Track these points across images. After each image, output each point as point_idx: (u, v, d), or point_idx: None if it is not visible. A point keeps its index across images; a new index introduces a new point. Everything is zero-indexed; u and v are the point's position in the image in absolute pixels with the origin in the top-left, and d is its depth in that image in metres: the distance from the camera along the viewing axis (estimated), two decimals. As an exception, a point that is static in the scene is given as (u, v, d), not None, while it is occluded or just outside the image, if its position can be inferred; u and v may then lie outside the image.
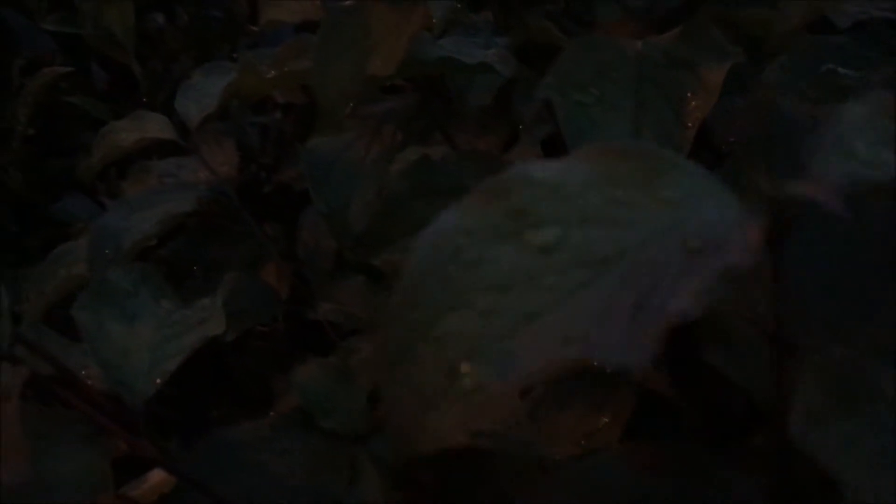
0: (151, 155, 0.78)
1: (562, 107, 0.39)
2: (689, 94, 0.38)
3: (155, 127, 0.62)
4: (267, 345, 0.72)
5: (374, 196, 0.49)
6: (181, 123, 0.63)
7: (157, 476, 0.58)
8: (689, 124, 0.37)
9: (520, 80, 0.58)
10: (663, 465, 0.30)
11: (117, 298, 0.39)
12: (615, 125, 0.39)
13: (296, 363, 0.49)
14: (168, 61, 0.93)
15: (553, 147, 0.60)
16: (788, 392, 0.26)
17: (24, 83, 0.80)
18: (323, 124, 0.46)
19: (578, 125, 0.38)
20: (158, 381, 0.35)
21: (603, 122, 0.39)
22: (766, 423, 0.38)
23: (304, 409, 0.47)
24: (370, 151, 0.52)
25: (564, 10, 0.67)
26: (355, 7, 0.46)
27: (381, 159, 0.51)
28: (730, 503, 0.29)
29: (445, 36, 0.53)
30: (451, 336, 0.21)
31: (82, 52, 0.92)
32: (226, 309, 0.63)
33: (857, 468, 0.21)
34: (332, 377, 0.45)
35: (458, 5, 0.61)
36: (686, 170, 0.23)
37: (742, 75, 0.40)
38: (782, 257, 0.24)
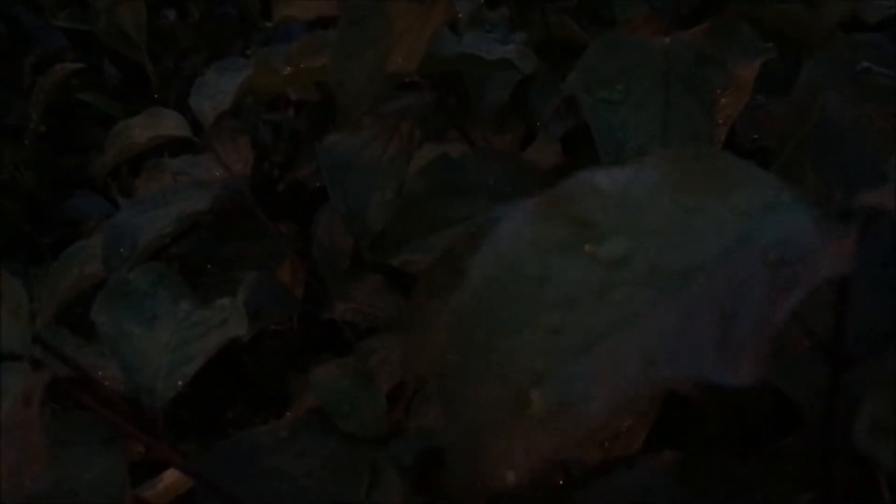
0: (163, 152, 0.77)
1: (588, 105, 0.38)
2: (719, 92, 0.37)
3: (170, 124, 0.61)
4: (281, 344, 0.71)
5: (393, 195, 0.48)
6: (195, 121, 0.62)
7: (171, 477, 0.57)
8: (721, 122, 0.36)
9: (537, 77, 0.57)
10: (692, 472, 0.29)
11: (136, 300, 0.38)
12: (644, 123, 0.37)
13: (311, 363, 0.48)
14: (180, 58, 0.92)
15: (571, 145, 0.59)
16: (842, 403, 0.25)
17: (35, 81, 0.79)
18: (342, 122, 0.45)
19: (607, 123, 0.37)
20: (179, 383, 0.34)
21: (631, 120, 0.37)
22: (806, 429, 0.37)
23: (323, 411, 0.45)
24: (388, 150, 0.50)
25: (579, 5, 0.66)
26: (377, 3, 0.45)
27: (399, 157, 0.50)
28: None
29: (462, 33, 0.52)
30: (517, 357, 0.19)
31: (94, 50, 0.90)
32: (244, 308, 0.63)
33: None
34: (350, 378, 0.44)
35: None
36: (760, 178, 0.22)
37: (770, 73, 0.39)
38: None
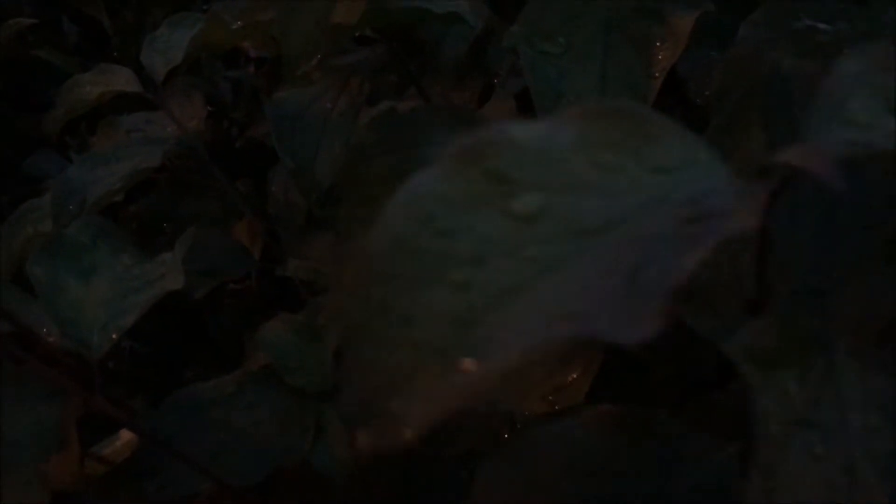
0: (123, 111, 0.75)
1: (528, 57, 0.37)
2: (657, 44, 0.36)
3: (120, 80, 0.59)
4: (240, 303, 0.70)
5: (341, 150, 0.47)
6: (151, 78, 0.60)
7: (129, 434, 0.57)
8: (657, 74, 0.35)
9: (495, 33, 0.56)
10: (625, 425, 0.29)
11: (74, 253, 0.36)
12: (582, 75, 0.36)
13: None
14: (140, 14, 0.89)
15: (527, 101, 0.58)
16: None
17: (-10, 37, 0.76)
18: (288, 74, 0.43)
19: (545, 75, 0.36)
20: (114, 336, 0.33)
21: (570, 71, 0.36)
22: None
23: (272, 367, 0.45)
24: (337, 104, 0.49)
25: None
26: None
27: (348, 112, 0.49)
28: (688, 462, 0.28)
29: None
30: (422, 314, 0.19)
31: (54, 5, 0.88)
32: (196, 266, 0.61)
33: (778, 415, 0.20)
34: (298, 334, 0.43)
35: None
36: (679, 135, 0.21)
37: (718, 28, 0.38)
38: (768, 225, 0.22)
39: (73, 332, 0.34)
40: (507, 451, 0.29)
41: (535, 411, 0.43)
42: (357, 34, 0.54)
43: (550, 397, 0.43)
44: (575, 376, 0.43)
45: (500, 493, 0.28)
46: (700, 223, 0.17)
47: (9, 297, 0.45)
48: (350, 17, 0.42)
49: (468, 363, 0.17)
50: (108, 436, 0.54)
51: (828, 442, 0.22)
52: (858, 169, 0.26)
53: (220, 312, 0.68)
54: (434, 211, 0.19)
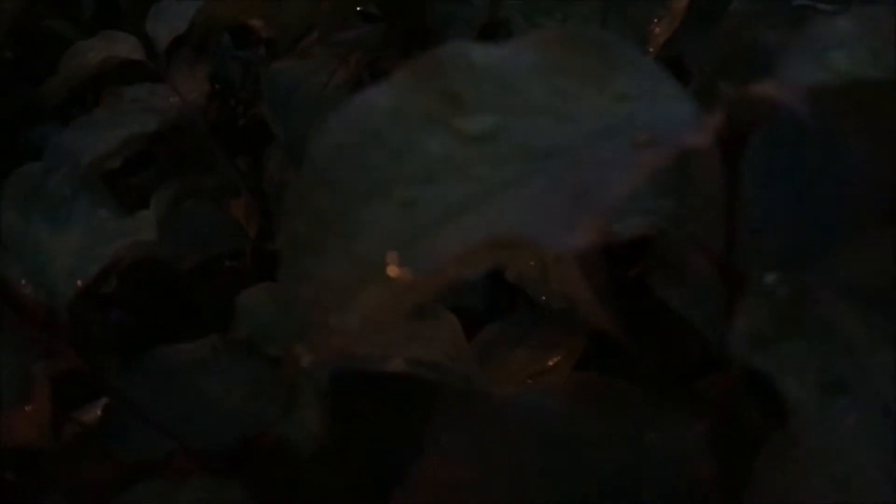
0: (129, 82, 0.74)
1: (521, 29, 0.36)
2: (654, 21, 0.35)
3: (124, 47, 0.58)
4: (234, 279, 0.69)
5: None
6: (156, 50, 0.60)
7: (110, 400, 0.56)
8: (651, 50, 0.34)
9: (505, 21, 0.55)
10: (604, 399, 0.28)
11: (52, 203, 0.36)
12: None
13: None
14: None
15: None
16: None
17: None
18: (282, 42, 0.43)
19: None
20: (79, 283, 0.32)
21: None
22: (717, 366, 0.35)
23: (251, 336, 0.44)
24: (334, 78, 0.48)
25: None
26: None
27: (344, 86, 0.48)
28: (658, 437, 0.27)
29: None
30: (365, 229, 0.18)
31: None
32: (188, 238, 0.61)
33: (801, 386, 0.19)
34: (276, 303, 0.43)
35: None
36: (643, 66, 0.20)
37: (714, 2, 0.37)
38: (737, 177, 0.21)
39: (39, 280, 0.33)
40: (464, 417, 0.28)
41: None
42: (361, 10, 0.53)
43: (529, 381, 0.42)
44: (556, 359, 0.42)
45: (451, 464, 0.26)
46: (654, 147, 0.16)
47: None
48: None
49: (405, 274, 0.16)
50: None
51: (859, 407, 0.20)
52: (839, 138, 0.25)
53: (212, 288, 0.67)
54: (383, 126, 0.18)
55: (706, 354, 0.38)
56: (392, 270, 0.17)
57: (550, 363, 0.42)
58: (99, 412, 0.56)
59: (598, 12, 0.37)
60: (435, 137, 0.18)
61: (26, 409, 0.39)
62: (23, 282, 0.41)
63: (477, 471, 0.27)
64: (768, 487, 0.22)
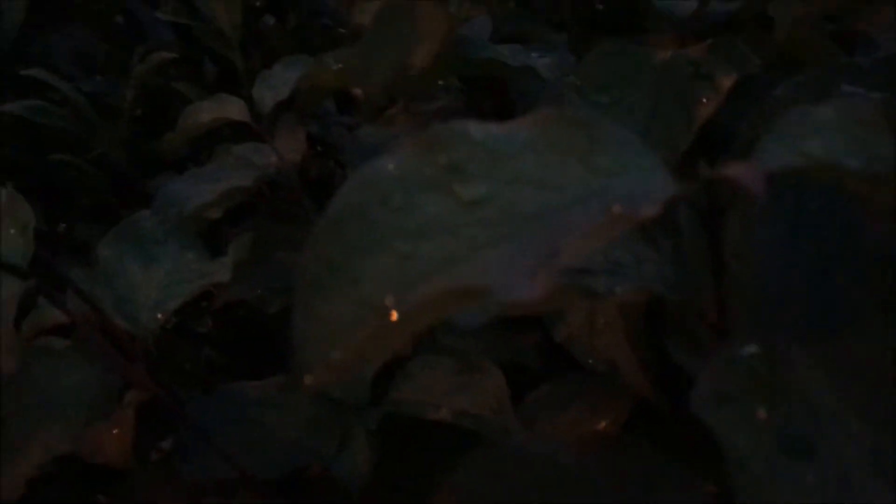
0: (240, 141, 0.81)
1: (575, 104, 0.38)
2: (702, 101, 0.37)
3: (233, 109, 0.64)
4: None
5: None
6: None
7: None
8: (694, 128, 0.36)
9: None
10: (609, 449, 0.29)
11: (143, 243, 0.40)
12: (627, 126, 0.38)
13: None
14: (272, 59, 0.96)
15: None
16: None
17: (137, 68, 0.84)
18: (366, 109, 0.47)
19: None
20: (160, 316, 0.36)
21: (615, 121, 0.38)
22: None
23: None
24: (412, 144, 0.52)
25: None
26: (407, 4, 0.47)
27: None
28: (664, 493, 0.28)
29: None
30: (368, 276, 0.21)
31: (196, 45, 0.96)
32: (274, 284, 0.65)
33: (752, 444, 0.20)
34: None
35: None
36: (628, 145, 0.22)
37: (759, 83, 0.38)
38: (720, 243, 0.23)
39: (125, 310, 0.37)
40: (477, 459, 0.30)
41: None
42: (443, 83, 0.57)
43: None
44: (604, 423, 0.43)
45: (459, 497, 0.28)
46: (626, 215, 0.18)
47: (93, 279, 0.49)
48: (425, 62, 0.45)
49: (395, 314, 0.19)
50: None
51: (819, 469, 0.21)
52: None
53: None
54: (390, 188, 0.21)
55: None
56: (391, 311, 0.19)
57: (599, 427, 0.43)
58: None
59: (651, 92, 0.39)
60: (434, 200, 0.21)
61: (113, 431, 0.44)
62: (112, 311, 0.46)
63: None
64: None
